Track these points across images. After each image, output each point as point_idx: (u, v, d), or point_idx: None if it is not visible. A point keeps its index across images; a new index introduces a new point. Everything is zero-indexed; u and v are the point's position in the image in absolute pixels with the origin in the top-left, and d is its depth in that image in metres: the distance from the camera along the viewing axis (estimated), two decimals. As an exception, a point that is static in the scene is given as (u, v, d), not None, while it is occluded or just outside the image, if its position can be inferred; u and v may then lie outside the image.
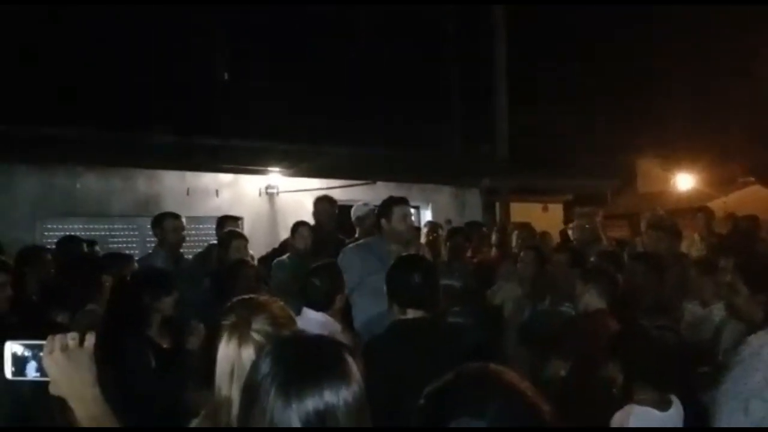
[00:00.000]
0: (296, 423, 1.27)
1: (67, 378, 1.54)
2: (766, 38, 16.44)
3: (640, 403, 2.82)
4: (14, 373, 1.54)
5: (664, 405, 2.82)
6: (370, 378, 1.46)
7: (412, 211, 9.97)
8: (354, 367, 1.37)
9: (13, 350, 1.54)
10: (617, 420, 2.83)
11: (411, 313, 2.93)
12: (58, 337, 1.55)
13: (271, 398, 1.29)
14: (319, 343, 1.43)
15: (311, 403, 1.28)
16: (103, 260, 4.32)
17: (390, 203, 4.45)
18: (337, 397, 1.30)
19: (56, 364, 1.53)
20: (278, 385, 1.30)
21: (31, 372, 1.54)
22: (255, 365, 1.39)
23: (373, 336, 3.15)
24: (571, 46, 16.21)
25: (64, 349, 1.54)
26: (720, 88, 18.88)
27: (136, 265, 4.58)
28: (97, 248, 5.58)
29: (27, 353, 1.54)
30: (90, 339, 1.58)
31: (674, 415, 2.83)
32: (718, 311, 4.28)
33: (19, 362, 1.54)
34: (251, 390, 1.35)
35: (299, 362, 1.34)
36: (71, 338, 1.56)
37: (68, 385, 1.54)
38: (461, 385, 1.24)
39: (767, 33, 16.26)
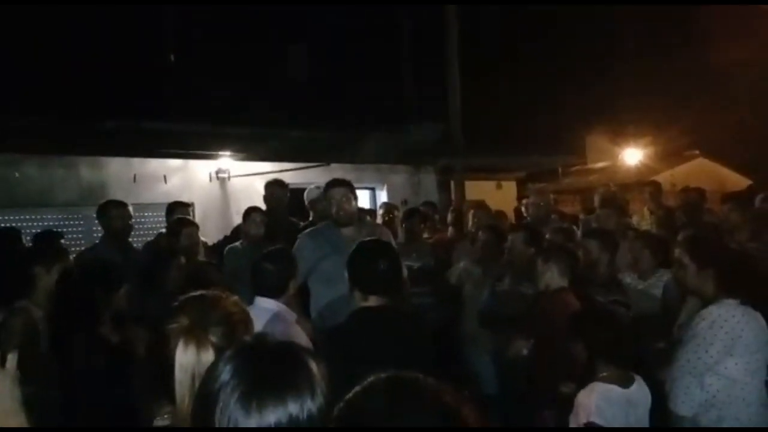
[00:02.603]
0: None
1: None
2: (711, 11, 16.80)
3: (604, 380, 2.84)
4: None
5: (627, 382, 2.84)
6: (332, 369, 1.38)
7: (365, 193, 10.01)
8: (319, 376, 1.29)
9: None
10: (582, 398, 2.84)
11: (373, 300, 2.86)
12: None
13: (230, 410, 1.21)
14: (283, 350, 1.33)
15: (273, 417, 1.21)
16: (34, 253, 4.07)
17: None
18: (301, 409, 1.22)
19: None
20: (238, 396, 1.22)
21: None
22: (212, 373, 1.29)
23: (333, 325, 3.07)
24: (522, 26, 16.28)
25: None
26: (666, 62, 19.27)
27: (71, 257, 4.35)
28: (63, 241, 5.32)
29: None
30: (12, 360, 1.43)
31: (637, 392, 2.86)
32: (659, 282, 4.39)
33: None
34: (207, 399, 1.26)
35: (261, 372, 1.26)
36: None
37: None
38: (380, 396, 1.18)
39: (713, 7, 16.61)
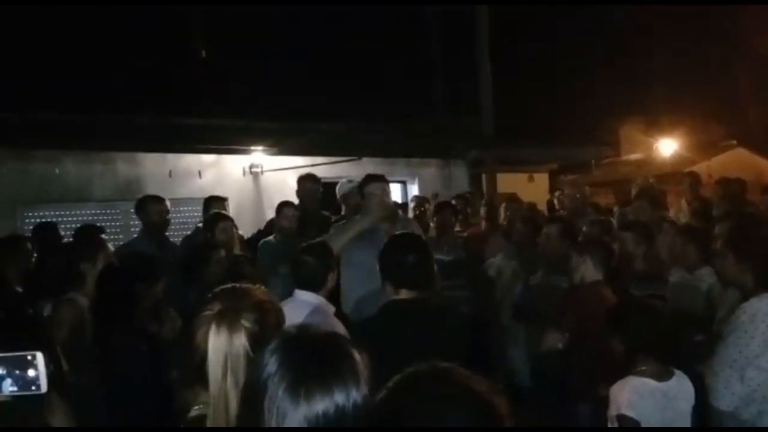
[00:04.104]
0: (304, 424, 1.23)
1: None
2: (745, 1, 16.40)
3: (639, 374, 2.81)
4: None
5: (664, 376, 2.80)
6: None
7: (396, 186, 10.00)
8: (362, 365, 1.32)
9: None
10: (614, 391, 2.82)
11: (404, 294, 2.87)
12: None
13: (278, 400, 1.24)
14: (327, 341, 1.36)
15: (321, 406, 1.23)
16: (79, 249, 4.17)
17: (362, 182, 4.39)
18: (347, 399, 1.25)
19: None
20: (286, 386, 1.25)
21: (7, 387, 1.46)
22: (259, 363, 1.32)
23: (364, 317, 3.09)
24: (554, 16, 16.09)
25: None
26: (700, 51, 18.88)
27: (111, 248, 4.45)
28: (103, 235, 5.43)
29: (1, 370, 1.45)
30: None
31: (675, 386, 2.82)
32: (707, 277, 4.29)
33: None
34: (255, 389, 1.29)
35: (308, 363, 1.28)
36: None
37: None
38: (419, 388, 1.19)
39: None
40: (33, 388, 1.45)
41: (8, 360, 1.45)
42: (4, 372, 1.44)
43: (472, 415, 1.14)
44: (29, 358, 1.46)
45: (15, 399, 1.47)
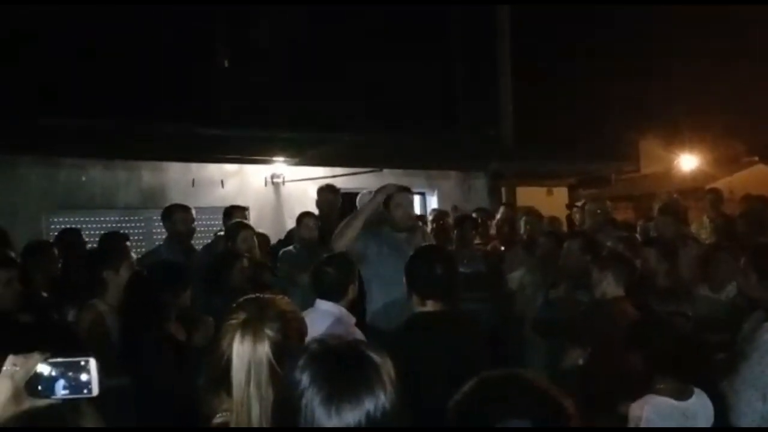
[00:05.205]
0: None
1: None
2: (766, 14, 16.23)
3: (659, 392, 2.80)
4: (42, 393, 1.49)
5: (684, 395, 2.79)
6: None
7: (416, 198, 10.01)
8: (388, 371, 1.36)
9: (41, 370, 1.49)
10: (634, 410, 2.81)
11: (430, 305, 2.90)
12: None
13: (315, 412, 1.29)
14: (353, 351, 1.41)
15: (351, 416, 1.28)
16: (101, 256, 4.23)
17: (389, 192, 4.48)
18: (375, 405, 1.30)
19: None
20: (320, 399, 1.30)
21: (60, 390, 1.50)
22: (291, 381, 1.36)
23: (390, 330, 3.13)
24: (574, 29, 16.05)
25: None
26: (721, 66, 18.69)
27: (133, 256, 4.51)
28: (128, 243, 5.49)
29: (54, 372, 1.50)
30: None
31: (695, 404, 2.80)
32: (731, 293, 4.27)
33: (48, 381, 1.50)
34: (289, 407, 1.33)
35: (337, 375, 1.34)
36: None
37: None
38: (494, 389, 1.29)
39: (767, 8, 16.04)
40: (85, 391, 1.50)
41: (62, 364, 1.50)
42: (57, 374, 1.50)
43: (544, 414, 1.23)
44: (83, 363, 1.51)
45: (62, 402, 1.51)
